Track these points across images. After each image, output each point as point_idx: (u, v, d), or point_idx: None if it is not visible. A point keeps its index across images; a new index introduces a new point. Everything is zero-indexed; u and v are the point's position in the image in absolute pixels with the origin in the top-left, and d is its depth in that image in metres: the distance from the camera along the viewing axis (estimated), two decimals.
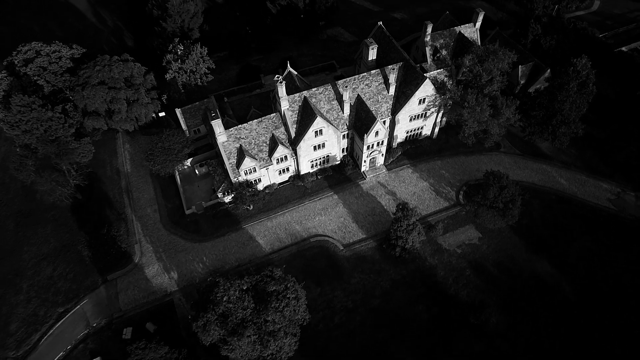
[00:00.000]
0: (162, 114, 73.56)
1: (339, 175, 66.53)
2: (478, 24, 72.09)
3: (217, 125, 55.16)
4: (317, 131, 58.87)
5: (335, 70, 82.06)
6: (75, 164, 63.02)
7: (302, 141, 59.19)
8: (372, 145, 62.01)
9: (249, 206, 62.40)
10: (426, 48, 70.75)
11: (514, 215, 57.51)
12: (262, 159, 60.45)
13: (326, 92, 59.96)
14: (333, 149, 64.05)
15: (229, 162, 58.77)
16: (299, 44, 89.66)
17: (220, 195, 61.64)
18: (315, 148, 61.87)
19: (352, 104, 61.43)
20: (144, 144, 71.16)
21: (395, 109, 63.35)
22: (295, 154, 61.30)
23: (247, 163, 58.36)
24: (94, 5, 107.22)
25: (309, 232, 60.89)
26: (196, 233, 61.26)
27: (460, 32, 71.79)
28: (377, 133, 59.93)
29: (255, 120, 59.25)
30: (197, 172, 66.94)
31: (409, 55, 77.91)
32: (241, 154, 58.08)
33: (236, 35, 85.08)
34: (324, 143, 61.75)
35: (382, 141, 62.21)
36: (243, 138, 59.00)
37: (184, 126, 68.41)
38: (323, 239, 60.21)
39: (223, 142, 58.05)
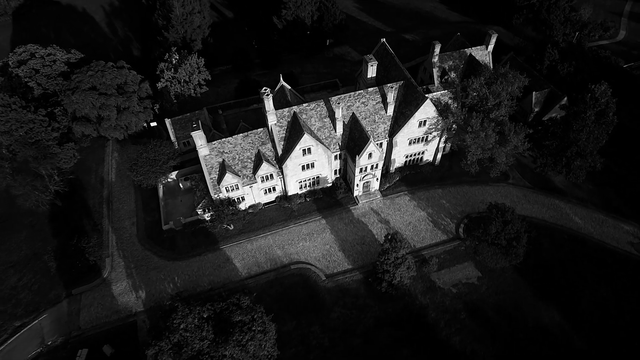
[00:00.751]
0: (153, 124, 71.39)
1: (329, 199, 62.00)
2: (490, 47, 67.75)
3: (198, 137, 51.98)
4: (305, 149, 54.90)
5: (337, 89, 78.76)
6: (57, 169, 60.83)
7: (288, 159, 55.27)
8: (365, 168, 57.47)
9: (229, 226, 58.40)
10: (433, 69, 66.69)
11: (518, 255, 51.38)
12: (246, 176, 56.72)
13: (318, 109, 56.27)
14: (323, 170, 59.80)
15: (210, 177, 55.28)
16: (304, 60, 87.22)
17: (200, 212, 57.94)
18: (303, 168, 57.79)
19: (345, 122, 57.41)
20: (132, 153, 68.79)
21: (393, 131, 58.90)
22: (282, 173, 57.33)
23: (229, 179, 54.71)
24: (109, 16, 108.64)
25: (290, 258, 56.17)
26: (171, 250, 57.45)
27: (470, 54, 67.60)
28: (370, 155, 55.47)
29: (241, 134, 55.90)
30: (181, 186, 63.75)
31: (416, 77, 74.49)
32: (223, 169, 54.54)
33: (240, 49, 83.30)
34: (313, 163, 57.64)
35: (377, 164, 57.63)
36: (226, 152, 55.59)
37: (173, 137, 65.89)
38: (304, 266, 55.30)
39: (205, 156, 54.76)
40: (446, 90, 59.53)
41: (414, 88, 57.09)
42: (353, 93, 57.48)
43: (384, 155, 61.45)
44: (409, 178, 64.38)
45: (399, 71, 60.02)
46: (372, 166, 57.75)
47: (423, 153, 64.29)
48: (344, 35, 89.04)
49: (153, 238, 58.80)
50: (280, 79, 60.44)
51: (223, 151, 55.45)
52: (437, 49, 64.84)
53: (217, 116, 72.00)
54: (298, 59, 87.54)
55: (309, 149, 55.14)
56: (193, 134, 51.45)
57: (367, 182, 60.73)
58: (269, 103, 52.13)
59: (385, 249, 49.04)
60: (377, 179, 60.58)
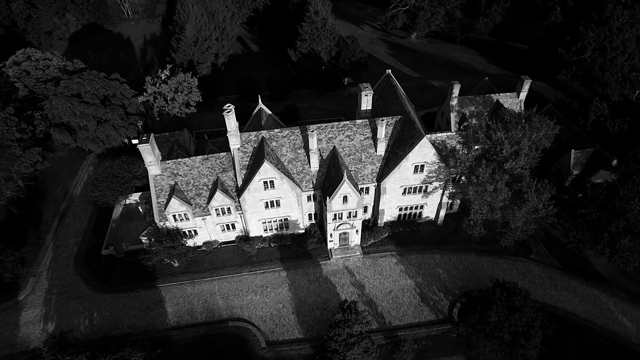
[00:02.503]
0: (135, 141, 66.61)
1: (298, 248, 51.33)
2: (523, 95, 56.62)
3: (146, 152, 45.08)
4: (267, 182, 45.82)
5: None
6: (18, 173, 56.60)
7: (247, 191, 46.34)
8: (340, 215, 46.81)
9: (174, 262, 49.40)
10: (451, 114, 56.45)
11: (527, 357, 37.09)
12: (199, 205, 48.30)
13: (292, 137, 47.71)
14: (292, 212, 49.89)
15: (157, 201, 47.56)
16: (315, 97, 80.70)
17: (144, 240, 49.70)
18: (267, 205, 48.41)
19: (324, 157, 48.03)
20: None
21: (383, 174, 48.32)
22: (241, 208, 48.26)
23: (175, 206, 46.62)
24: (146, 42, 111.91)
25: (230, 313, 45.38)
26: (104, 280, 49.19)
27: (498, 100, 56.74)
28: (345, 199, 45.03)
29: (200, 157, 48.36)
30: (140, 210, 56.66)
31: (433, 124, 64.62)
32: (172, 194, 46.68)
33: (247, 78, 78.90)
34: (278, 200, 48.13)
35: (355, 212, 46.79)
36: (181, 175, 48.01)
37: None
38: (245, 326, 44.11)
39: (155, 176, 47.51)
40: (454, 133, 48.74)
41: (412, 124, 47.04)
42: (337, 123, 48.57)
43: (364, 201, 50.62)
44: (401, 236, 52.29)
45: (399, 105, 50.56)
46: (350, 214, 46.96)
47: (422, 207, 52.40)
48: (364, 76, 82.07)
49: (90, 263, 51.19)
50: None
51: (177, 173, 47.97)
52: (456, 90, 54.91)
53: (204, 142, 65.82)
54: (309, 94, 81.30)
55: (272, 182, 45.96)
56: (140, 146, 44.63)
57: (344, 233, 49.66)
58: (230, 122, 44.52)
59: (337, 320, 37.04)
60: (358, 231, 49.30)
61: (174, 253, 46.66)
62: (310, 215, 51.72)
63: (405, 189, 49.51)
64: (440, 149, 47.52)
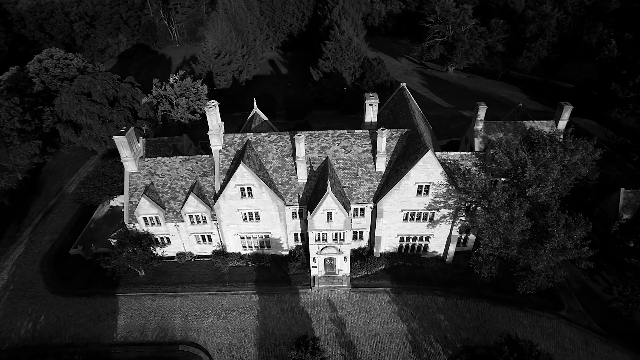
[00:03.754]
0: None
1: (278, 271, 44.64)
2: (562, 123, 47.93)
3: (122, 145, 41.78)
4: (243, 188, 40.48)
5: None
6: (14, 165, 55.63)
7: (221, 198, 41.16)
8: (324, 236, 40.07)
9: (140, 270, 44.41)
10: (475, 139, 49.14)
11: None
12: (173, 210, 43.69)
13: (280, 143, 42.63)
14: (274, 228, 43.79)
15: (129, 200, 43.62)
16: (334, 118, 76.05)
17: (113, 242, 45.39)
18: (245, 218, 42.80)
19: (314, 169, 42.20)
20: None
21: (381, 194, 41.43)
22: (216, 217, 42.97)
23: (145, 207, 42.33)
24: (184, 62, 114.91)
25: (185, 335, 38.97)
26: (64, 281, 45.03)
27: (531, 128, 48.76)
28: (330, 216, 38.44)
29: (181, 157, 44.38)
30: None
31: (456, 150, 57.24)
32: (142, 193, 42.57)
33: (266, 93, 76.33)
34: (257, 213, 42.40)
35: (343, 235, 39.87)
36: (158, 175, 44.05)
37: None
38: (196, 352, 37.38)
39: (131, 173, 43.88)
40: (470, 153, 41.42)
41: (418, 138, 40.45)
42: (332, 132, 43.08)
43: (359, 225, 43.53)
44: (400, 271, 44.18)
45: (408, 119, 44.35)
46: (337, 236, 40.07)
47: (427, 240, 44.30)
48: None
49: (59, 261, 47.55)
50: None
51: (155, 172, 44.09)
52: (482, 113, 47.67)
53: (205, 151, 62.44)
54: (328, 115, 76.84)
55: (250, 190, 40.53)
56: (115, 138, 41.46)
57: (330, 259, 42.51)
58: (211, 120, 40.39)
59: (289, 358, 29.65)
60: (346, 258, 41.99)
61: (136, 259, 41.68)
62: (296, 235, 45.29)
63: (406, 214, 42.07)
64: (451, 169, 40.22)
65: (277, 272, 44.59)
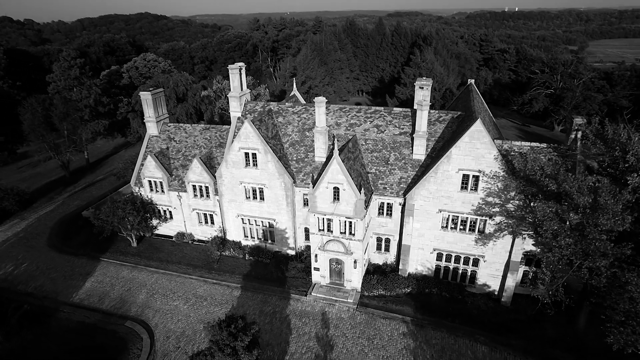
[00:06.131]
0: None
1: (275, 271, 35.86)
2: None
3: (147, 102, 40.46)
4: (248, 154, 34.58)
5: None
6: (74, 141, 58.59)
7: (223, 164, 35.68)
8: (329, 224, 31.10)
9: (132, 239, 40.00)
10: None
11: None
12: (179, 178, 39.52)
13: (304, 115, 36.68)
14: (280, 214, 36.11)
15: (141, 162, 41.02)
16: None
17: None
18: (247, 194, 36.30)
19: (337, 149, 34.60)
20: None
21: (415, 185, 31.59)
22: (218, 192, 37.25)
23: (151, 167, 39.13)
24: (274, 96, 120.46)
25: (139, 312, 31.98)
26: (65, 239, 42.75)
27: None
28: (336, 193, 29.83)
29: (202, 125, 41.22)
30: None
31: None
32: (152, 154, 39.64)
33: None
34: (261, 189, 35.62)
35: (352, 224, 30.45)
36: (176, 141, 41.17)
37: None
38: (140, 332, 29.81)
39: (151, 136, 41.82)
40: (547, 145, 29.95)
41: (470, 115, 30.89)
42: (366, 108, 35.80)
43: (385, 228, 33.39)
44: (430, 299, 31.86)
45: (466, 109, 35.00)
46: (345, 226, 30.78)
47: (476, 264, 31.75)
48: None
49: (71, 223, 46.13)
50: (293, 85, 44.35)
51: (173, 138, 41.39)
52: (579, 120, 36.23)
53: None
54: None
55: (254, 157, 34.44)
56: (141, 94, 40.40)
57: (337, 262, 32.66)
58: (233, 81, 36.73)
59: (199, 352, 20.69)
60: (357, 263, 31.74)
61: (127, 221, 37.42)
62: (307, 231, 36.73)
63: (447, 217, 31.03)
64: (511, 155, 28.99)
65: (274, 270, 35.87)
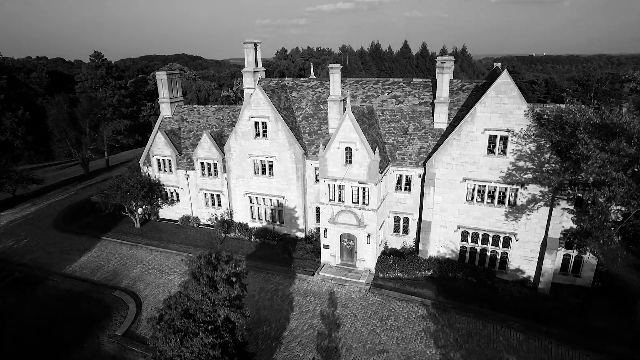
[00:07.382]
0: None
1: (282, 252, 32.80)
2: None
3: (162, 83, 39.93)
4: (257, 124, 32.84)
5: None
6: (94, 139, 58.98)
7: (232, 136, 34.02)
8: (341, 193, 28.27)
9: (136, 221, 38.20)
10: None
11: None
12: (188, 156, 38.08)
13: (319, 89, 35.07)
14: (289, 190, 33.58)
15: (152, 140, 40.01)
16: None
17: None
18: (256, 169, 34.22)
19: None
20: None
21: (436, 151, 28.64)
22: (226, 168, 35.34)
23: (160, 144, 38.07)
24: None
25: (130, 283, 29.46)
26: (70, 221, 41.43)
27: None
28: (349, 154, 27.25)
29: (215, 106, 40.36)
30: None
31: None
32: (162, 131, 38.69)
33: None
34: (270, 164, 33.46)
35: (365, 191, 27.52)
36: (188, 122, 40.20)
37: None
38: (127, 301, 27.11)
39: (165, 117, 41.08)
40: (585, 105, 26.59)
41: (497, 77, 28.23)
42: (384, 79, 33.85)
43: (404, 205, 30.16)
44: (455, 284, 27.77)
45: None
46: (358, 193, 27.88)
47: (507, 244, 27.71)
48: None
49: (80, 208, 45.02)
50: (311, 70, 42.96)
51: (186, 119, 40.46)
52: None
53: None
54: None
55: (264, 126, 32.63)
56: (157, 73, 40.10)
57: (349, 238, 29.40)
58: (248, 56, 35.78)
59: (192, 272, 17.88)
60: (370, 237, 28.39)
61: (131, 194, 35.83)
62: (317, 210, 33.85)
63: (472, 187, 27.63)
64: (542, 115, 25.69)
65: (280, 252, 32.81)
